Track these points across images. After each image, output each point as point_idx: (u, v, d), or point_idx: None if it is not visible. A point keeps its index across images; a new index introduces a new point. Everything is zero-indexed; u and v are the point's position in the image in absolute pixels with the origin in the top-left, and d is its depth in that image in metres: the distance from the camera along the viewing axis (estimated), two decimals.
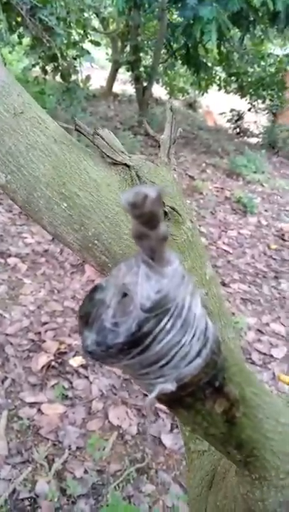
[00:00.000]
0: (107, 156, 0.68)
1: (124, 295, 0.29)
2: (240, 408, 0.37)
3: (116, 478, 1.71)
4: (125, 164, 0.66)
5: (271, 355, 2.53)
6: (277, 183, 5.62)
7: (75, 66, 4.41)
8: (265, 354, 2.54)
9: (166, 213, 0.66)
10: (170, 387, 0.30)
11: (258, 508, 0.45)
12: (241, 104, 8.10)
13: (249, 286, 3.23)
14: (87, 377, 2.11)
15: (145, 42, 6.87)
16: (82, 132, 0.66)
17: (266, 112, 7.85)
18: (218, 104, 9.10)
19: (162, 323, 0.28)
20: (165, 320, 0.28)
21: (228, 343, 0.68)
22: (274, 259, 3.72)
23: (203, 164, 5.79)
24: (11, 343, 2.21)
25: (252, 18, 5.14)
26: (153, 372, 0.30)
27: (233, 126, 8.24)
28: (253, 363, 2.46)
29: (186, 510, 1.65)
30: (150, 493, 1.70)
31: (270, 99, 7.64)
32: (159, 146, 0.79)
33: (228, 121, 8.20)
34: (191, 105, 9.55)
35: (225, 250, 3.71)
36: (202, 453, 0.68)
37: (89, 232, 0.65)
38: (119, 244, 0.64)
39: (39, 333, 2.31)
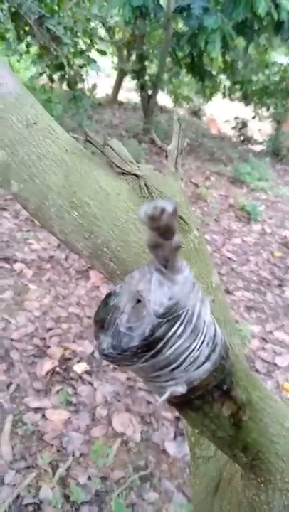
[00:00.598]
0: (117, 166, 0.70)
1: (138, 301, 0.31)
2: (247, 412, 0.38)
3: (119, 486, 1.71)
4: (134, 174, 0.68)
5: (275, 364, 2.53)
6: (281, 190, 5.63)
7: (81, 74, 4.47)
8: (269, 362, 2.54)
9: None
10: (180, 389, 0.32)
11: None
12: (245, 112, 8.16)
13: (253, 294, 3.24)
14: (91, 384, 2.12)
15: (150, 51, 6.93)
16: (93, 143, 0.68)
17: (270, 119, 7.89)
18: (223, 112, 9.17)
19: (174, 329, 0.30)
20: (176, 325, 0.30)
21: (234, 349, 0.69)
22: (278, 266, 3.73)
23: (208, 172, 5.82)
24: (16, 349, 2.23)
25: (256, 28, 5.20)
26: (164, 375, 0.31)
27: (237, 133, 8.29)
28: (256, 371, 2.45)
29: None
30: (153, 502, 1.69)
31: (274, 107, 7.68)
32: (166, 156, 0.81)
33: (232, 128, 8.26)
34: (196, 113, 9.61)
35: (229, 258, 3.72)
36: (208, 459, 0.68)
37: (98, 240, 0.66)
38: (128, 252, 0.66)
39: (44, 338, 2.33)
